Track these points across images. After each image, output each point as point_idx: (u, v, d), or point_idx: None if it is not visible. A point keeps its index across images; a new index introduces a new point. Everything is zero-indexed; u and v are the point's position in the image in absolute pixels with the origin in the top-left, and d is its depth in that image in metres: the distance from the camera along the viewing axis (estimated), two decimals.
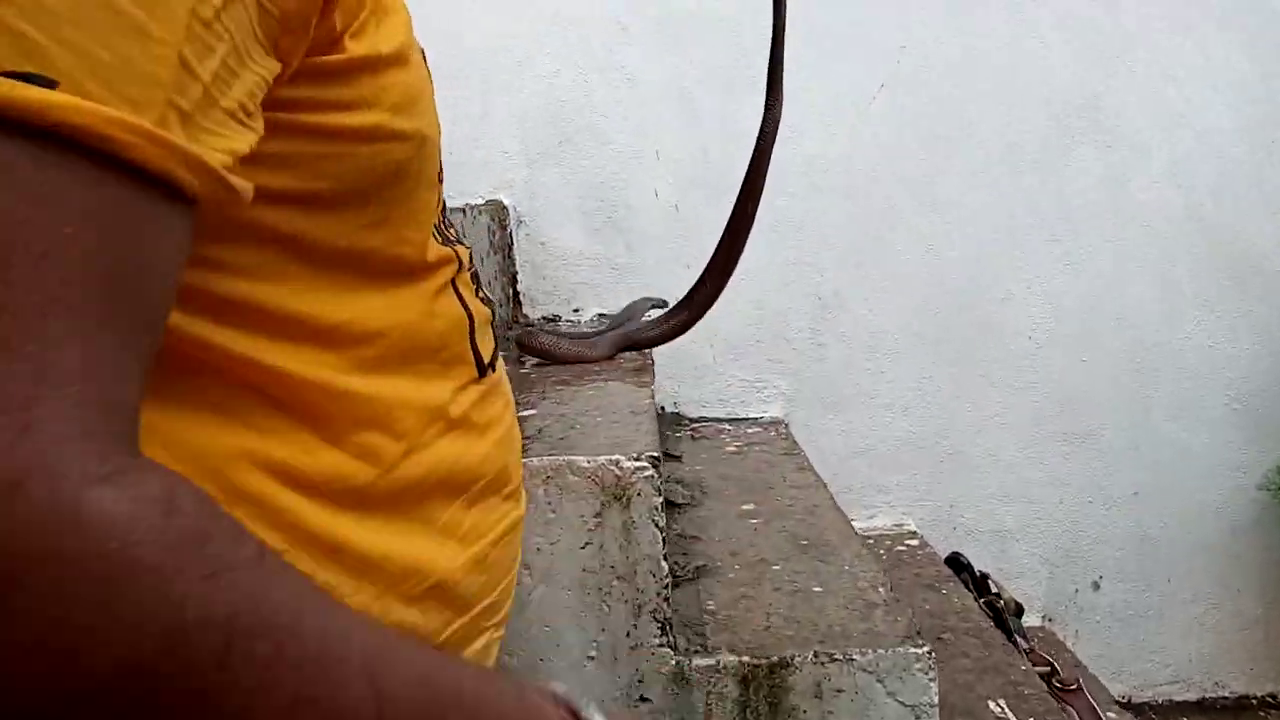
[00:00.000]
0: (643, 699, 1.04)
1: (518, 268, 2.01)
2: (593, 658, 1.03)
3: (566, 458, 1.00)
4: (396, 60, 0.50)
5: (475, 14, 1.95)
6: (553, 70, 1.98)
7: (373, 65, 0.49)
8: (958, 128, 2.07)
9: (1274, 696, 2.28)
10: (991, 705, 1.42)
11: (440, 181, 0.59)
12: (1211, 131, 2.09)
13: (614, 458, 1.00)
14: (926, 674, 1.05)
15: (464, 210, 1.58)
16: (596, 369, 1.54)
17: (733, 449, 1.89)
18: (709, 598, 1.19)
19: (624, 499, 1.00)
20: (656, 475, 1.00)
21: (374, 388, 0.53)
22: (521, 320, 2.02)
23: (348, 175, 0.50)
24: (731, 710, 1.05)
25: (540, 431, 1.11)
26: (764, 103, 1.42)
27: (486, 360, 0.62)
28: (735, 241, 1.48)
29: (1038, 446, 2.18)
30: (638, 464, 1.00)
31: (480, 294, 0.65)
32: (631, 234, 2.05)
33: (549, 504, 1.00)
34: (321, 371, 0.51)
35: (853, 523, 2.13)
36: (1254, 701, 2.29)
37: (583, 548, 1.01)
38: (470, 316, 0.60)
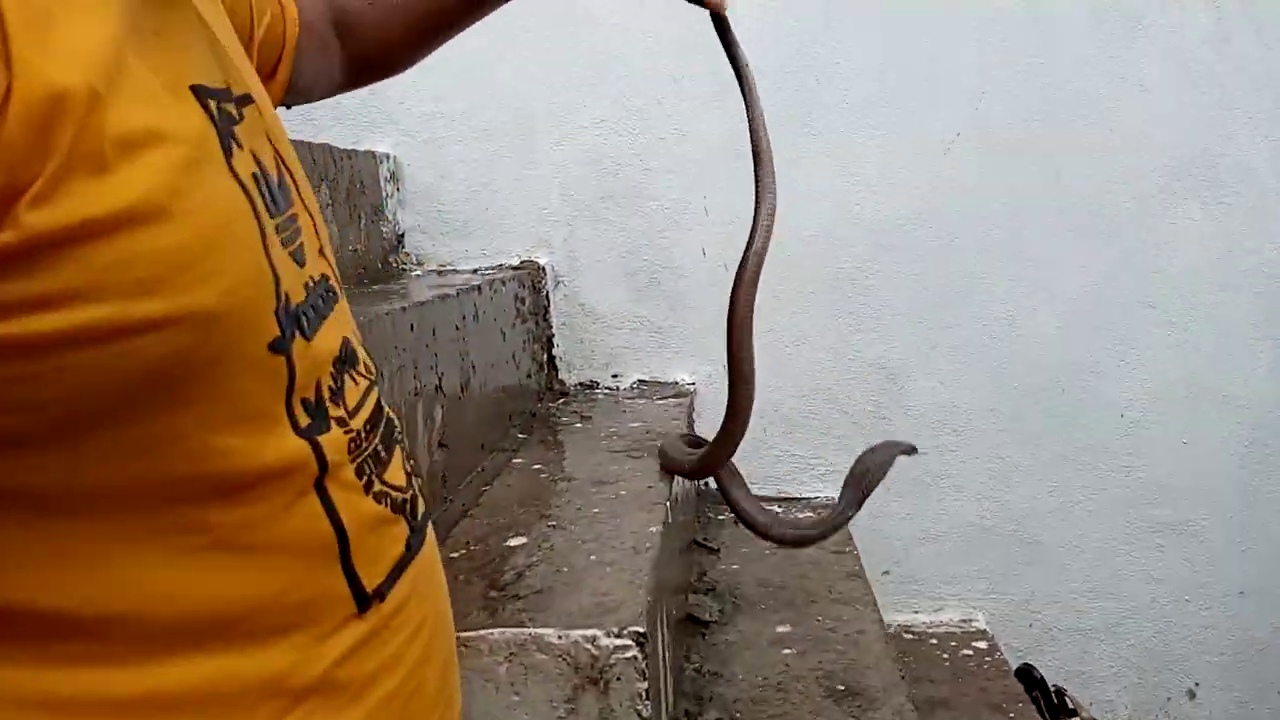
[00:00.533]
0: None
1: (554, 330, 1.88)
2: None
3: (533, 631, 0.85)
4: (140, 219, 0.35)
5: (516, 62, 1.82)
6: (597, 120, 1.84)
7: (79, 238, 0.33)
8: (1045, 182, 1.85)
9: None
10: None
11: (293, 338, 0.44)
12: None
13: (590, 633, 0.85)
14: None
15: (482, 286, 1.45)
16: (620, 464, 1.39)
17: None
18: None
19: (601, 684, 0.85)
20: (641, 656, 0.85)
21: (162, 681, 0.40)
22: (557, 386, 1.89)
23: (67, 397, 0.35)
24: None
25: (519, 578, 0.97)
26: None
27: (377, 582, 0.47)
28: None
29: (1129, 537, 1.95)
30: (618, 642, 0.85)
31: (385, 477, 0.50)
32: (675, 295, 1.89)
33: (512, 685, 0.86)
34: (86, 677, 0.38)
35: (917, 615, 1.98)
36: None
37: None
38: (342, 532, 0.45)
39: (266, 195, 0.44)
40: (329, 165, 1.52)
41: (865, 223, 1.86)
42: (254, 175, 0.44)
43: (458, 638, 0.84)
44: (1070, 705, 1.73)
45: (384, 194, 1.77)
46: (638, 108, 1.83)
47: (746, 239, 1.09)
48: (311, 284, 0.48)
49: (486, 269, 1.78)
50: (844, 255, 1.88)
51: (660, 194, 1.86)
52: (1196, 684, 2.00)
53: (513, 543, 1.07)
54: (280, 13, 0.69)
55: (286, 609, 0.44)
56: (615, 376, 1.92)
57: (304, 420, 0.45)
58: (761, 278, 1.86)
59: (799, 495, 1.93)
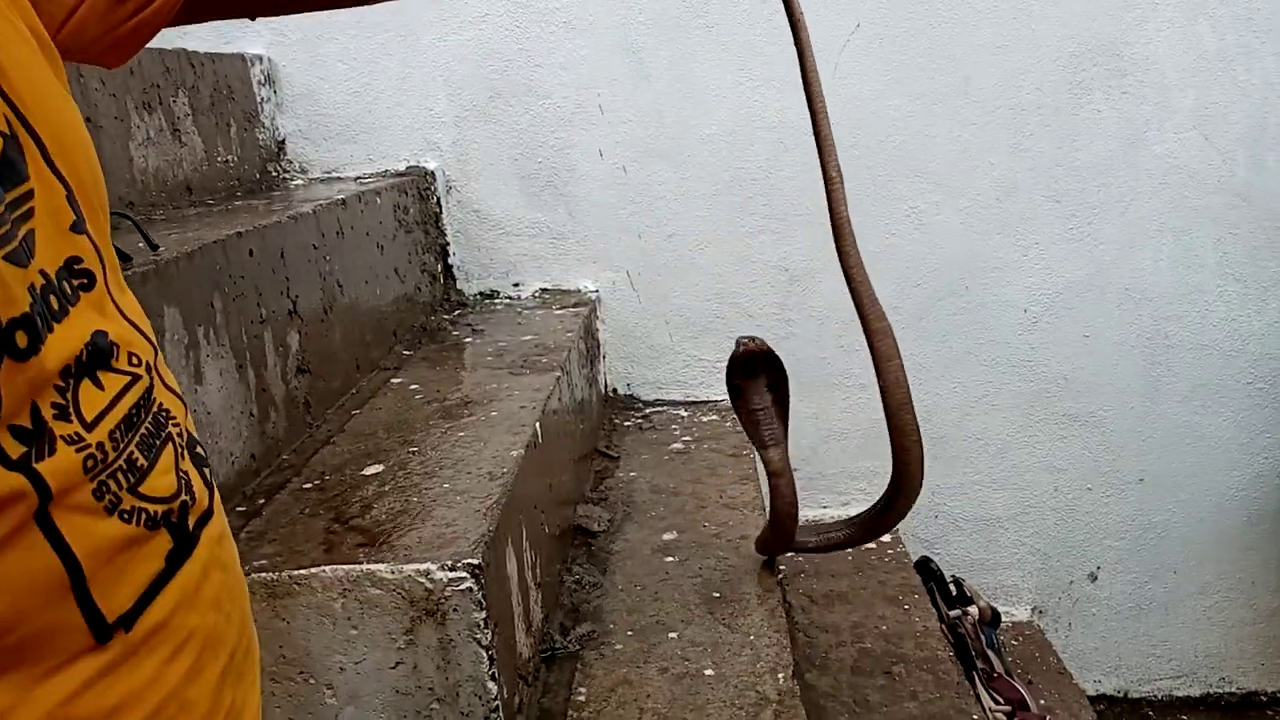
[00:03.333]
0: None
1: (449, 239, 1.82)
2: None
3: (366, 567, 0.83)
4: None
5: None
6: (480, 15, 1.74)
7: None
8: (948, 77, 1.80)
9: None
10: None
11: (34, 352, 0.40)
12: (1252, 81, 1.80)
13: (423, 567, 0.83)
14: None
15: (348, 199, 1.39)
16: (508, 369, 1.36)
17: (678, 446, 1.71)
18: (583, 683, 1.04)
19: (438, 615, 0.84)
20: (477, 587, 0.84)
21: None
22: (455, 297, 1.84)
23: None
24: None
25: (365, 510, 0.95)
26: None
27: (122, 609, 0.43)
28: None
29: (1031, 429, 1.97)
30: (452, 575, 0.83)
31: (142, 489, 0.45)
32: (574, 200, 1.84)
33: (349, 619, 0.84)
34: None
35: (825, 510, 2.00)
36: (1263, 698, 2.12)
37: (393, 667, 0.85)
38: (74, 563, 0.41)
39: None
40: (186, 72, 1.43)
41: (766, 122, 1.81)
42: None
43: (291, 575, 0.83)
44: (968, 594, 1.77)
45: (259, 98, 1.68)
46: (523, 1, 1.73)
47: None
48: (43, 281, 0.43)
49: (368, 176, 1.71)
50: (745, 155, 1.83)
51: (551, 92, 1.78)
52: (1098, 567, 2.06)
53: (368, 471, 1.05)
54: None
55: (17, 646, 0.40)
56: (516, 285, 1.88)
57: (15, 450, 0.40)
58: (665, 180, 1.82)
59: (706, 399, 1.93)
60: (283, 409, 1.12)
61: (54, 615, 0.41)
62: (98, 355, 0.45)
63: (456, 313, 1.76)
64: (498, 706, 0.87)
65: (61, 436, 0.42)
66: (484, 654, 0.85)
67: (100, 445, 0.44)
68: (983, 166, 1.84)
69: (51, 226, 0.44)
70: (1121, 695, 2.12)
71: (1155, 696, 2.12)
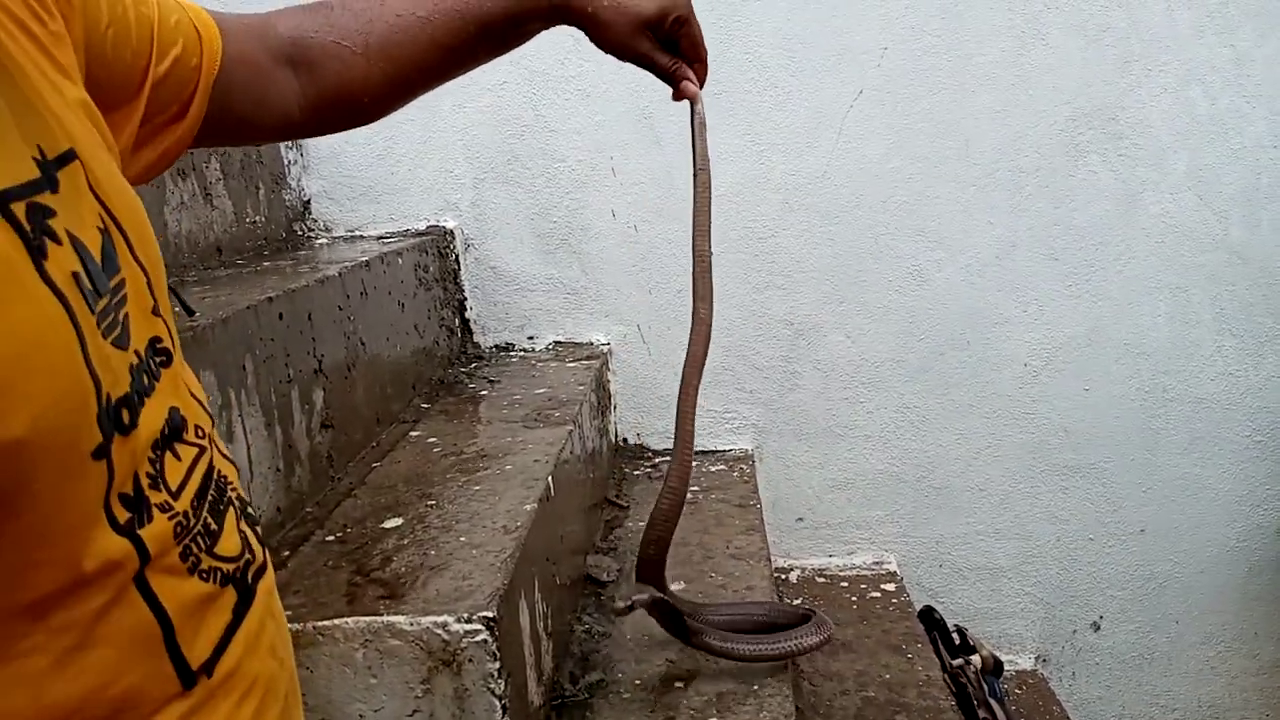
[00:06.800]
0: None
1: (467, 294, 1.89)
2: None
3: (386, 619, 0.89)
4: None
5: None
6: (499, 83, 1.83)
7: None
8: (948, 138, 1.87)
9: None
10: None
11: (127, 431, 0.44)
12: (1244, 143, 1.86)
13: (441, 619, 0.88)
14: None
15: (372, 262, 1.46)
16: (517, 426, 1.42)
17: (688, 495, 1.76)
18: None
19: (454, 666, 0.89)
20: (492, 639, 0.89)
21: None
22: (472, 349, 1.91)
23: None
24: None
25: (386, 563, 1.01)
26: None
27: (204, 659, 0.48)
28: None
29: (1033, 480, 2.01)
30: (468, 627, 0.88)
31: (216, 550, 0.50)
32: (587, 257, 1.90)
33: (369, 669, 0.89)
34: None
35: (831, 559, 2.04)
36: None
37: (410, 715, 0.90)
38: (166, 620, 0.46)
39: (88, 285, 0.44)
40: None
41: (773, 183, 1.88)
42: (73, 274, 0.43)
43: (315, 626, 0.88)
44: (970, 644, 1.81)
45: (285, 161, 1.76)
46: (539, 70, 1.82)
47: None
48: (137, 362, 0.48)
49: (391, 235, 1.79)
50: (753, 214, 1.89)
51: (566, 155, 1.86)
52: (1101, 617, 2.09)
53: (388, 524, 1.10)
54: (197, 44, 0.66)
55: (106, 701, 0.44)
56: (531, 338, 1.94)
57: (123, 516, 0.44)
58: (674, 239, 1.89)
59: (713, 449, 1.98)
60: (307, 463, 1.18)
61: (150, 666, 0.46)
62: (174, 430, 0.50)
63: (473, 365, 1.83)
64: None
65: (155, 505, 0.47)
66: (497, 703, 0.90)
67: (185, 513, 0.49)
68: (983, 226, 1.90)
69: (138, 310, 0.50)
70: None
71: None
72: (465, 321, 1.91)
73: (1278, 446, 1.99)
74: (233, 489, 0.58)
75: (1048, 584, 2.06)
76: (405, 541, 1.05)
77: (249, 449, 1.04)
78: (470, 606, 0.90)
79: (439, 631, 0.88)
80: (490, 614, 0.89)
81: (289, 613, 0.91)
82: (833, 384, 1.96)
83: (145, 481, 0.47)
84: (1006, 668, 1.94)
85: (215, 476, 0.55)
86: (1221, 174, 1.89)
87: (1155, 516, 2.03)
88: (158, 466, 0.48)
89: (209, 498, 0.53)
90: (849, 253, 1.91)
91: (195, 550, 0.50)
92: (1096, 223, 1.90)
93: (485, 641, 0.89)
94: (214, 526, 0.52)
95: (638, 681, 1.17)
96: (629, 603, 1.11)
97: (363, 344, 1.37)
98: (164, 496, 0.48)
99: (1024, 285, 1.93)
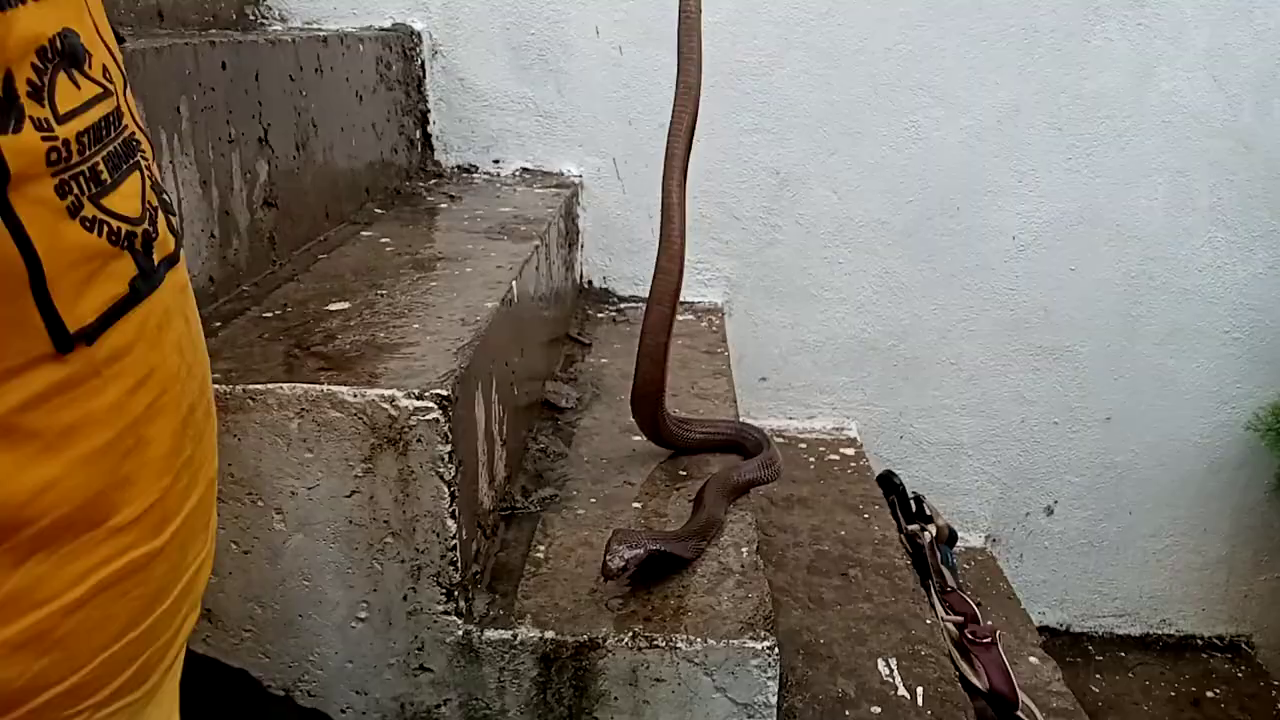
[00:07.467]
0: (423, 668, 0.88)
1: (430, 106, 1.75)
2: (363, 619, 0.86)
3: (327, 388, 0.79)
4: None
5: None
6: None
7: None
8: None
9: (1220, 639, 2.15)
10: (880, 665, 1.26)
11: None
12: (1270, 25, 1.76)
13: (388, 393, 0.79)
14: (765, 671, 0.88)
15: (329, 38, 1.31)
16: (482, 236, 1.31)
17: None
18: (542, 541, 1.01)
19: (400, 445, 0.80)
20: (444, 419, 0.80)
21: None
22: (432, 167, 1.78)
23: None
24: (529, 690, 0.88)
25: (329, 339, 0.90)
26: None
27: (84, 322, 0.41)
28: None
29: (1006, 359, 1.96)
30: (419, 403, 0.79)
31: (104, 202, 0.43)
32: (564, 76, 1.76)
33: (304, 441, 0.80)
34: None
35: (790, 421, 1.98)
36: (1199, 642, 2.16)
37: (348, 496, 0.81)
38: (34, 258, 0.38)
39: None
40: None
41: (773, 15, 1.74)
42: None
43: (246, 389, 0.78)
44: (927, 512, 1.77)
45: None
46: None
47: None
48: None
49: (351, 30, 1.63)
50: (747, 47, 1.76)
51: None
52: (1055, 502, 2.07)
53: (333, 307, 1.00)
54: None
55: None
56: (497, 162, 1.81)
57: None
58: (662, 67, 1.75)
59: (683, 299, 1.88)
60: (246, 238, 1.06)
61: (10, 310, 0.38)
62: (71, 54, 0.43)
63: (433, 182, 1.70)
64: (455, 546, 0.83)
65: (31, 118, 0.39)
66: (445, 489, 0.81)
67: (66, 143, 0.41)
68: (989, 86, 1.79)
69: None
70: (1064, 629, 2.14)
71: (1096, 632, 2.15)
72: (427, 136, 1.76)
73: (1255, 344, 1.95)
74: (144, 157, 0.49)
75: (1006, 464, 2.03)
76: (352, 323, 0.95)
77: (180, 203, 0.92)
78: (422, 383, 0.80)
79: (385, 405, 0.79)
80: (444, 393, 0.80)
81: (217, 375, 0.81)
82: (813, 242, 1.87)
83: (23, 88, 0.39)
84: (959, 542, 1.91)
85: (123, 133, 0.46)
86: (1240, 55, 1.79)
87: (1123, 405, 1.99)
88: (44, 80, 0.40)
89: (108, 147, 0.44)
90: (845, 100, 1.79)
91: (75, 190, 0.41)
92: (1105, 94, 1.80)
93: (437, 421, 0.80)
94: (105, 177, 0.44)
95: (593, 500, 1.10)
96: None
97: (314, 126, 1.24)
98: (45, 113, 0.40)
99: (1022, 154, 1.83)
